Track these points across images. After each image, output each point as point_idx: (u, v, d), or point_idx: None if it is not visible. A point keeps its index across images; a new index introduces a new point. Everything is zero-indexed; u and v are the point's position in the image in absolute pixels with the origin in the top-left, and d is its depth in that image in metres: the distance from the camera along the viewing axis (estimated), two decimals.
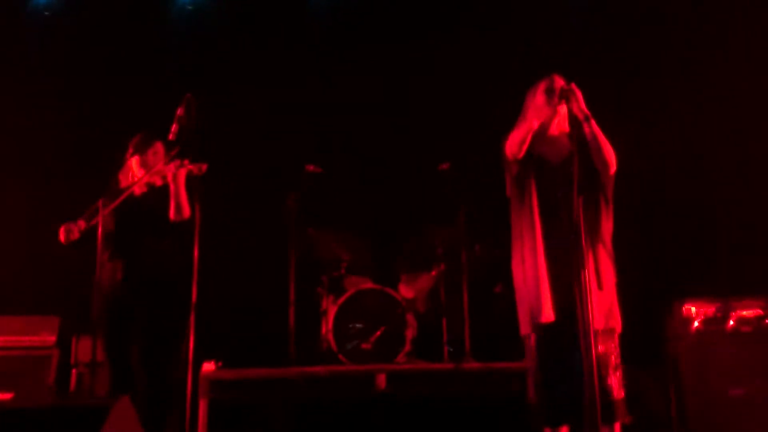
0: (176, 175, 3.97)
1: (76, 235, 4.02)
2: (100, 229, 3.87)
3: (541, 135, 3.52)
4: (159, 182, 4.07)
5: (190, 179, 4.02)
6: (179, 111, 4.02)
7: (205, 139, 4.05)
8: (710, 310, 4.90)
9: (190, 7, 6.67)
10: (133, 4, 6.51)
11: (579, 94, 3.36)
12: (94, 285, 3.84)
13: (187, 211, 4.00)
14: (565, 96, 3.35)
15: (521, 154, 3.49)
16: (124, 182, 4.19)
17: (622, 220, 3.57)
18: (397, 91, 6.35)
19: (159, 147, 4.18)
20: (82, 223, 4.02)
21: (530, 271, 3.40)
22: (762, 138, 5.93)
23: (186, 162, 3.99)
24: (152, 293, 3.94)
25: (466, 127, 6.13)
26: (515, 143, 3.49)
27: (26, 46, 6.42)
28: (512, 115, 3.72)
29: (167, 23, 6.65)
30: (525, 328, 3.46)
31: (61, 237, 4.06)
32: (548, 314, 3.31)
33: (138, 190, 4.04)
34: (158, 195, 4.04)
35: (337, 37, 6.58)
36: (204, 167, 4.03)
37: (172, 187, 3.96)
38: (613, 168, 3.47)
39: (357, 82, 6.42)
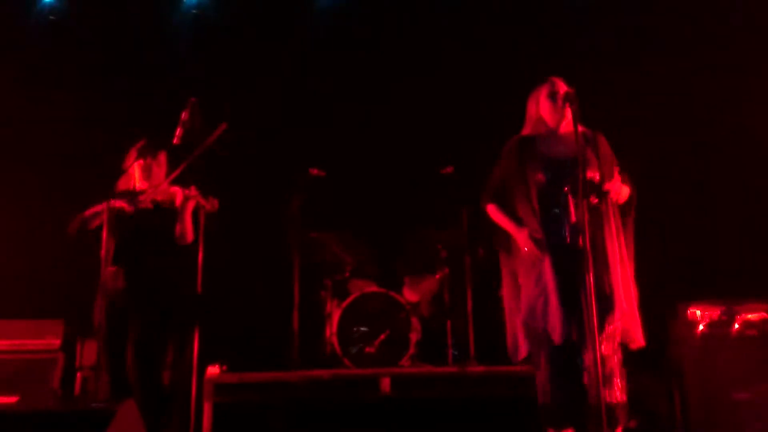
0: (185, 203, 3.98)
1: (131, 208, 3.96)
2: (104, 234, 3.87)
3: (548, 135, 3.55)
4: (166, 205, 4.08)
5: (198, 209, 4.04)
6: (183, 115, 4.03)
7: (209, 144, 4.05)
8: (715, 313, 4.88)
9: (194, 12, 6.69)
10: (138, 8, 6.53)
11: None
12: (99, 289, 3.84)
13: (190, 237, 4.03)
14: (569, 100, 3.38)
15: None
16: (121, 185, 4.20)
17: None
18: (401, 95, 6.36)
19: (163, 158, 4.17)
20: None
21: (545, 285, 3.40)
22: (766, 140, 5.93)
23: (198, 193, 4.01)
24: (153, 303, 3.95)
25: (469, 131, 6.14)
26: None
27: (30, 50, 6.44)
28: (515, 118, 3.73)
29: (172, 27, 6.66)
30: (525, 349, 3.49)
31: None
32: (557, 336, 3.32)
33: (142, 204, 4.04)
34: (163, 214, 4.05)
35: (341, 40, 6.59)
36: (216, 203, 4.05)
37: (179, 214, 3.98)
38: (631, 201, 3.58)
39: (360, 86, 6.43)
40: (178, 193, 4.01)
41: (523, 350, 3.48)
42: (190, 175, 4.06)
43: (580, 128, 3.42)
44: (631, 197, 3.56)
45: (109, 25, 6.48)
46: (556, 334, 3.30)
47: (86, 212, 4.07)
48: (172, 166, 4.16)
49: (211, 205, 4.05)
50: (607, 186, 3.40)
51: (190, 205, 4.01)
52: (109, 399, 3.79)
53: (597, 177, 3.46)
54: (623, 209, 3.53)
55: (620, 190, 3.47)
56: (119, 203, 3.94)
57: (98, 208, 4.02)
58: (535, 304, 3.39)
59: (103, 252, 3.87)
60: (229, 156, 5.43)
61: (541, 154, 3.53)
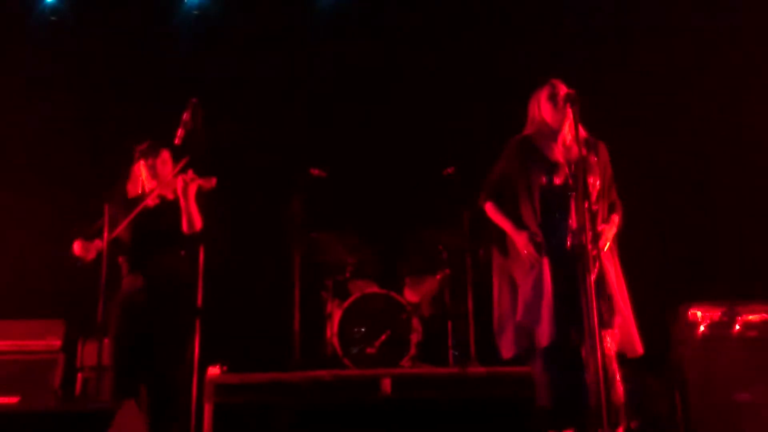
0: (186, 189, 3.99)
1: (92, 255, 3.96)
2: (105, 235, 3.87)
3: (551, 137, 3.55)
4: (170, 196, 4.08)
5: (200, 193, 4.04)
6: (185, 116, 4.03)
7: (210, 144, 4.06)
8: (716, 314, 4.89)
9: (195, 12, 6.69)
10: (139, 9, 6.54)
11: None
12: (100, 288, 3.83)
13: (198, 224, 4.03)
14: (570, 101, 3.38)
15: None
16: (131, 189, 4.19)
17: (628, 224, 3.59)
18: (402, 95, 6.36)
19: (167, 155, 4.17)
20: (98, 243, 3.95)
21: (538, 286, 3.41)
22: (767, 140, 5.93)
23: (195, 176, 4.01)
24: (171, 302, 3.95)
25: (470, 132, 6.14)
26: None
27: (32, 50, 6.44)
28: (516, 118, 3.73)
29: (173, 28, 6.67)
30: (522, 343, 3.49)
31: (77, 251, 4.01)
32: (545, 338, 3.34)
33: (151, 202, 4.04)
34: (171, 207, 4.06)
35: (342, 40, 6.59)
36: (214, 181, 4.06)
37: (182, 201, 3.98)
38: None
39: (361, 85, 6.43)
40: (179, 181, 4.01)
41: (511, 350, 3.48)
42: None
43: (584, 133, 3.43)
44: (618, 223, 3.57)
45: (111, 26, 6.49)
46: (545, 336, 3.31)
47: (77, 251, 4.05)
48: (176, 163, 4.16)
49: (209, 183, 4.06)
50: (600, 227, 3.43)
51: (192, 190, 4.01)
52: (113, 399, 3.79)
53: (598, 183, 3.47)
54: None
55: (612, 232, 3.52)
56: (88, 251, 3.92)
57: (80, 251, 4.02)
58: (531, 306, 3.39)
59: (104, 251, 3.85)
60: (229, 156, 5.46)
61: (543, 156, 3.53)
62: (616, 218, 3.55)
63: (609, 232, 3.48)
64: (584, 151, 3.35)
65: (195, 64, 6.39)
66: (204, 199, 4.06)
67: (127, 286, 3.97)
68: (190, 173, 4.02)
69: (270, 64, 6.45)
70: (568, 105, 3.41)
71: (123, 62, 6.40)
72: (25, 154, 6.22)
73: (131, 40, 6.44)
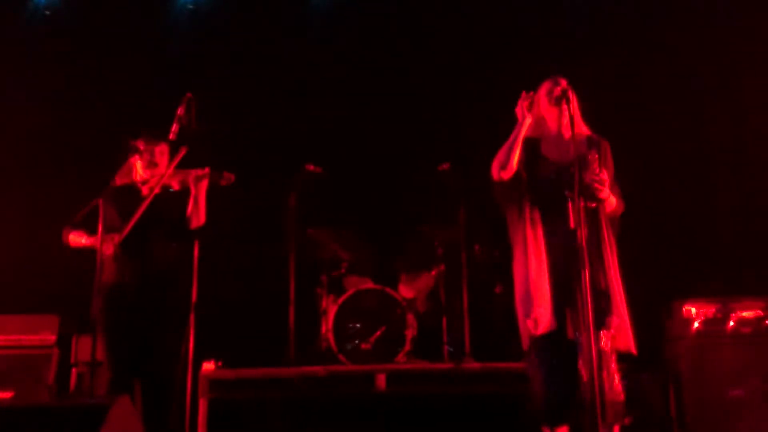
0: (199, 183, 3.99)
1: (110, 251, 3.88)
2: (100, 228, 3.85)
3: (552, 137, 3.54)
4: (176, 187, 4.07)
5: (213, 188, 4.04)
6: (179, 110, 4.02)
7: (205, 139, 4.06)
8: (710, 310, 4.91)
9: (190, 7, 6.67)
10: (134, 3, 6.51)
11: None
12: (95, 284, 3.82)
13: (203, 219, 4.04)
14: (566, 98, 3.37)
15: (508, 175, 3.48)
16: (120, 181, 4.17)
17: (623, 221, 3.59)
18: (398, 91, 6.35)
19: (165, 148, 4.15)
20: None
21: (533, 275, 3.39)
22: (762, 139, 5.94)
23: (211, 171, 4.01)
24: (159, 294, 3.94)
25: (466, 127, 6.13)
26: (499, 164, 3.51)
27: (26, 44, 6.42)
28: (513, 115, 3.72)
29: (168, 22, 6.64)
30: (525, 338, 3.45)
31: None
32: (545, 326, 3.31)
33: (147, 191, 4.01)
34: (171, 198, 4.04)
35: (337, 36, 6.58)
36: (232, 177, 4.06)
37: (193, 193, 3.98)
38: (617, 213, 3.55)
39: (357, 82, 6.42)
40: (191, 173, 4.01)
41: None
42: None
43: (587, 131, 3.41)
44: (614, 212, 3.54)
45: (106, 20, 6.46)
46: (543, 324, 3.30)
47: (71, 242, 4.05)
48: (172, 157, 4.15)
49: (227, 179, 4.07)
50: (603, 195, 3.39)
51: (204, 185, 4.02)
52: (108, 394, 3.78)
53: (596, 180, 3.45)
54: (611, 221, 3.53)
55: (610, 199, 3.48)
56: (105, 245, 3.87)
57: (80, 242, 4.02)
58: (525, 297, 3.39)
59: (99, 245, 3.84)
60: (225, 151, 5.45)
61: (542, 155, 3.52)
62: (613, 199, 3.52)
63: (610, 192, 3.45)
64: (583, 149, 3.35)
65: (190, 59, 6.38)
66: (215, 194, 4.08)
67: (112, 276, 3.92)
68: (207, 169, 4.04)
69: (266, 60, 6.44)
70: (563, 102, 3.41)
71: (118, 57, 6.37)
72: (18, 150, 6.19)
73: (127, 35, 6.41)
